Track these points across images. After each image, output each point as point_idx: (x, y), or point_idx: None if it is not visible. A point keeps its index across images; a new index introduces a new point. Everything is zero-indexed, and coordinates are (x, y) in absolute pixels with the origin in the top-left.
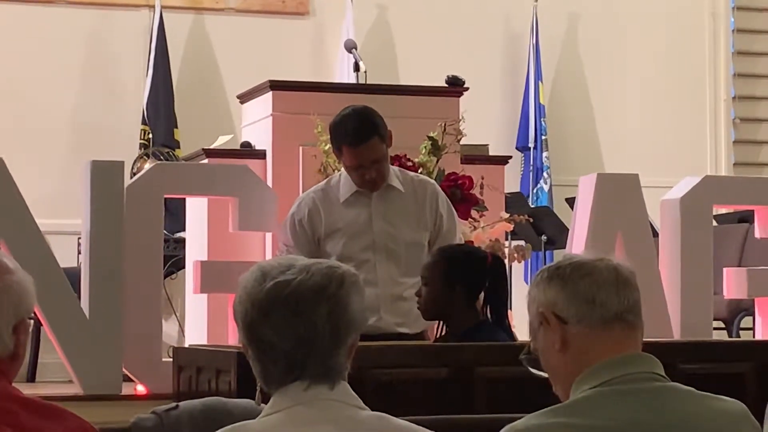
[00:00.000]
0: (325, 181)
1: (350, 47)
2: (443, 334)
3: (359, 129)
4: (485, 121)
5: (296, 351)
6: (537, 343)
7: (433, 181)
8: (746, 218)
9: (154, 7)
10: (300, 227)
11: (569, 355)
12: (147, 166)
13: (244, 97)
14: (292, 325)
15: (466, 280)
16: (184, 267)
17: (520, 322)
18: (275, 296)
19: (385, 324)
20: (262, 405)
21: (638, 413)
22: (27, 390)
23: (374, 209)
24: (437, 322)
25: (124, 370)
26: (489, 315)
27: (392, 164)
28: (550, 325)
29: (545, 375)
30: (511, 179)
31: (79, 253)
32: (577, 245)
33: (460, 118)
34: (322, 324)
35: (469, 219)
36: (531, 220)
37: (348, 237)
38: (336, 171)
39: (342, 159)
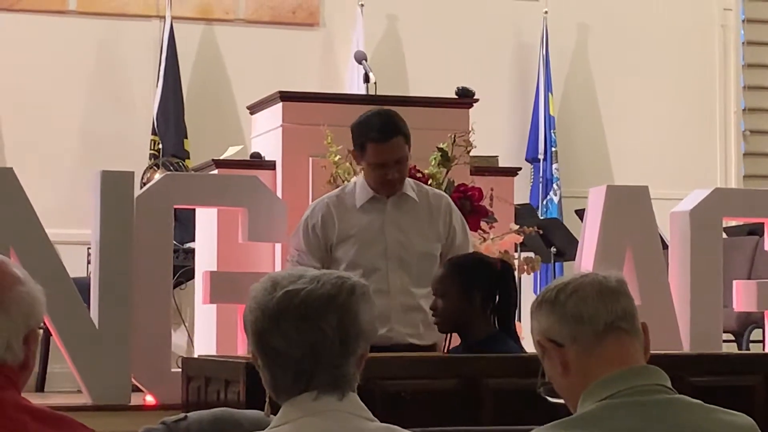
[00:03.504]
0: (340, 188)
1: (360, 58)
2: (455, 344)
3: (386, 127)
4: (495, 133)
5: (305, 359)
6: (547, 372)
7: (447, 195)
8: (756, 231)
9: (164, 17)
10: (313, 233)
11: (572, 376)
12: (157, 176)
13: (254, 108)
14: (301, 333)
15: (482, 288)
16: (193, 277)
17: (529, 334)
18: (285, 305)
19: (396, 334)
20: (271, 416)
21: (646, 426)
22: (36, 400)
23: (388, 217)
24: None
25: (133, 380)
26: (497, 323)
27: None
28: (549, 352)
29: (563, 401)
30: (521, 191)
31: (88, 263)
32: (586, 257)
33: (470, 129)
34: (331, 332)
35: (479, 230)
36: (540, 231)
37: (360, 243)
38: (345, 182)
39: (364, 158)
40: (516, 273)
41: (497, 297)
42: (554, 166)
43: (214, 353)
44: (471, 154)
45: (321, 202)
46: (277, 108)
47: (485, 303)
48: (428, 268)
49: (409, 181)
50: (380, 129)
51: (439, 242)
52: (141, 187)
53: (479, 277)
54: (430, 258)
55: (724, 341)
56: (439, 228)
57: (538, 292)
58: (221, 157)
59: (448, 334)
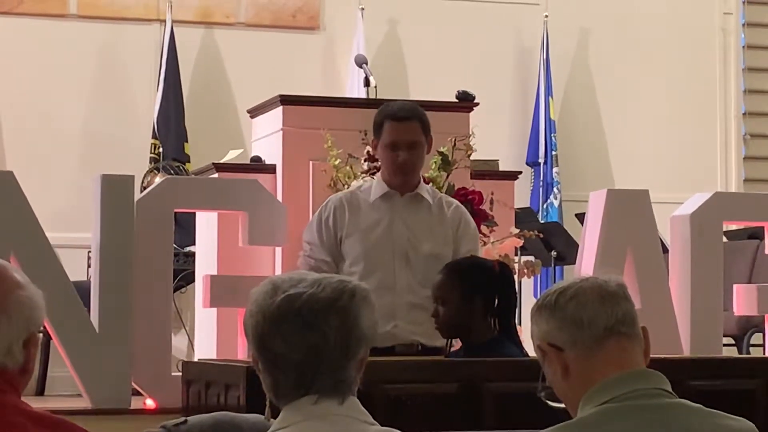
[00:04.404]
0: (357, 186)
1: (361, 62)
2: (456, 348)
3: (405, 108)
4: (495, 137)
5: (306, 363)
6: (548, 376)
7: (460, 204)
8: (757, 235)
9: (164, 21)
10: (325, 226)
11: (572, 380)
12: (157, 180)
13: (254, 112)
14: (302, 337)
15: (482, 291)
16: (193, 281)
17: (529, 338)
18: (287, 308)
19: (401, 331)
20: (272, 420)
21: (646, 430)
22: (36, 403)
23: (398, 214)
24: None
25: (133, 384)
26: (497, 326)
27: None
28: (549, 356)
29: (563, 406)
30: (521, 194)
31: (89, 266)
32: (587, 261)
33: (471, 133)
34: (332, 336)
35: (479, 234)
36: (541, 235)
37: (368, 238)
38: (345, 186)
39: (381, 139)
40: (516, 276)
41: (497, 300)
42: (555, 169)
43: (215, 357)
44: (471, 157)
45: (335, 196)
46: (278, 112)
47: (486, 307)
48: (436, 269)
49: (425, 186)
50: (399, 109)
51: (449, 246)
52: (141, 191)
53: (479, 281)
54: (437, 259)
55: (725, 345)
56: (449, 232)
57: (539, 296)
58: (221, 161)
59: (449, 339)
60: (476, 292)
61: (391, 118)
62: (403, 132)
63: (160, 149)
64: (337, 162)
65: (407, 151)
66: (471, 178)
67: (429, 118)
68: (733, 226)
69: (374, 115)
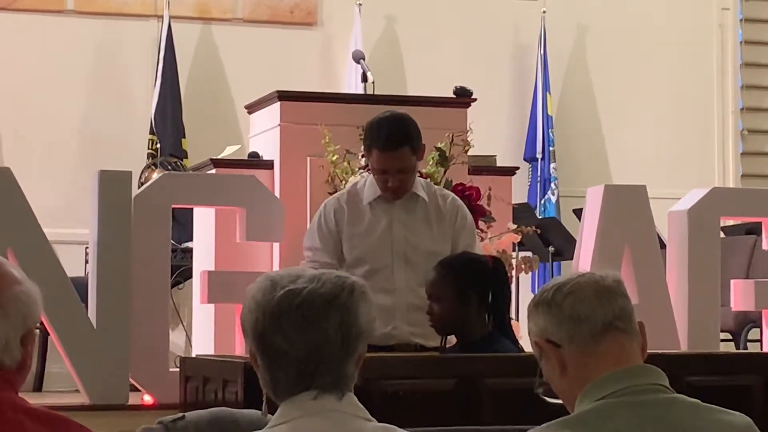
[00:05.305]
0: (352, 185)
1: (358, 58)
2: (451, 345)
3: (393, 136)
4: (493, 132)
5: (308, 359)
6: (545, 373)
7: (457, 197)
8: (754, 230)
9: (162, 17)
10: (326, 228)
11: (570, 376)
12: (155, 176)
13: (251, 108)
14: (303, 333)
15: (476, 287)
16: (191, 277)
17: (526, 334)
18: (287, 305)
19: (400, 332)
20: (269, 416)
21: (644, 425)
22: (33, 400)
23: (396, 215)
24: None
25: (131, 379)
26: (491, 321)
27: None
28: (547, 353)
29: (560, 402)
30: (519, 190)
31: (86, 262)
32: (584, 257)
33: (468, 128)
34: (333, 332)
35: (477, 230)
36: (538, 231)
37: (366, 240)
38: (343, 182)
39: (370, 161)
40: (513, 272)
41: (491, 295)
42: (552, 165)
43: (212, 353)
44: (469, 153)
45: (332, 198)
46: (275, 107)
47: (480, 303)
48: None
49: (420, 180)
50: (387, 138)
51: (447, 243)
52: (139, 187)
53: (473, 277)
54: (437, 257)
55: (722, 340)
56: (447, 228)
57: (536, 292)
58: (219, 157)
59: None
60: (470, 288)
61: (379, 148)
62: (392, 161)
63: (158, 145)
64: (334, 158)
65: (397, 176)
66: (468, 174)
67: (426, 113)
68: (731, 222)
69: (365, 127)
